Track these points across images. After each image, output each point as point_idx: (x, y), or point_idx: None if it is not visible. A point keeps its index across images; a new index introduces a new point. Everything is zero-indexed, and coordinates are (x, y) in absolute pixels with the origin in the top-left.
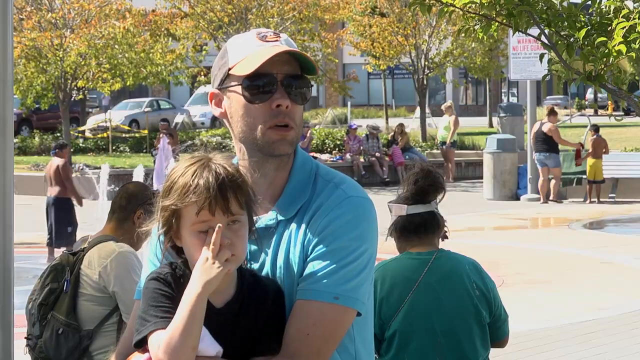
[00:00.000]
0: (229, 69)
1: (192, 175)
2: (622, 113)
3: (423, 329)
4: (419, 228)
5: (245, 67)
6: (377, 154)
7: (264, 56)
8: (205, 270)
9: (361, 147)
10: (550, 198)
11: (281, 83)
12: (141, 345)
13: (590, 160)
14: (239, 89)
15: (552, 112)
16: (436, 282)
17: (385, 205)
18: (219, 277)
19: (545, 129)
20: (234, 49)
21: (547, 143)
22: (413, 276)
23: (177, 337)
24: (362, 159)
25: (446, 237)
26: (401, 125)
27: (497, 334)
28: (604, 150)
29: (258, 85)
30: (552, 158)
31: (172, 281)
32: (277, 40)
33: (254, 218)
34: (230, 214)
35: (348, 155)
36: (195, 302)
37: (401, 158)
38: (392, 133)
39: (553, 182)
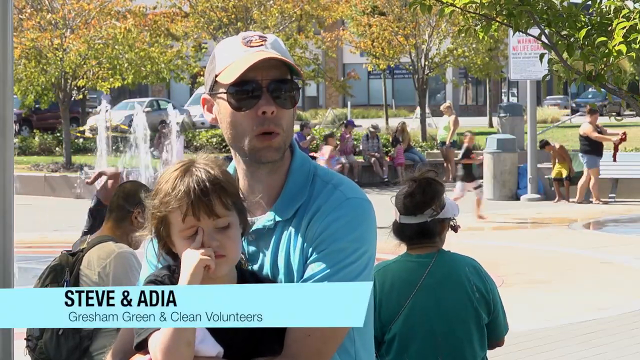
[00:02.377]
0: (216, 76)
1: (174, 181)
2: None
3: (423, 331)
4: (412, 237)
5: (229, 75)
6: (377, 154)
7: (246, 63)
8: (185, 267)
9: (357, 148)
10: (592, 199)
11: (267, 89)
12: (142, 347)
13: (558, 166)
14: (225, 96)
15: (591, 112)
16: (436, 285)
17: (385, 205)
18: (199, 270)
19: (581, 130)
20: (220, 54)
21: (586, 144)
22: (413, 279)
23: (170, 333)
24: (362, 159)
25: (455, 230)
26: (403, 124)
27: (495, 334)
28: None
29: (243, 92)
30: (587, 159)
31: (169, 284)
32: (262, 45)
33: (252, 219)
34: (215, 216)
35: (343, 159)
36: None
37: (402, 158)
38: (395, 132)
39: (592, 182)
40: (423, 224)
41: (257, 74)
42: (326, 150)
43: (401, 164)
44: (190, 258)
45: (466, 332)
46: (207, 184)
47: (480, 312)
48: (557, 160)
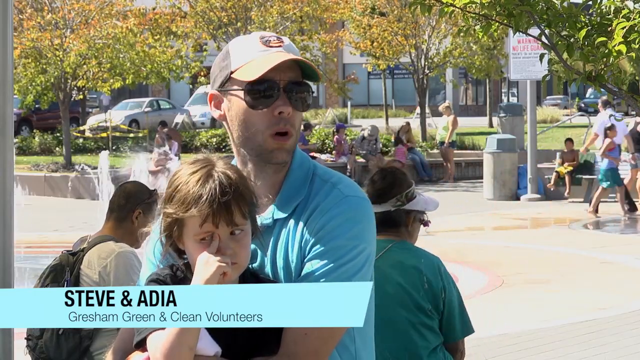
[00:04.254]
0: (231, 72)
1: (195, 185)
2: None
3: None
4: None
5: (250, 73)
6: (375, 155)
7: (269, 63)
8: (202, 271)
9: (358, 149)
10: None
11: (284, 89)
12: (141, 345)
13: (568, 167)
14: (240, 93)
15: None
16: (384, 268)
17: None
18: (216, 277)
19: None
20: (236, 51)
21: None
22: None
23: (174, 336)
24: (361, 159)
25: (426, 224)
26: (407, 125)
27: (448, 336)
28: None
29: (260, 90)
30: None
31: (171, 283)
32: (280, 46)
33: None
34: (234, 225)
35: (344, 158)
36: None
37: (402, 158)
38: (398, 132)
39: (639, 184)
40: (386, 213)
41: (276, 74)
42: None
43: (401, 165)
44: (207, 263)
45: (412, 317)
46: (230, 192)
47: (426, 302)
48: (565, 161)
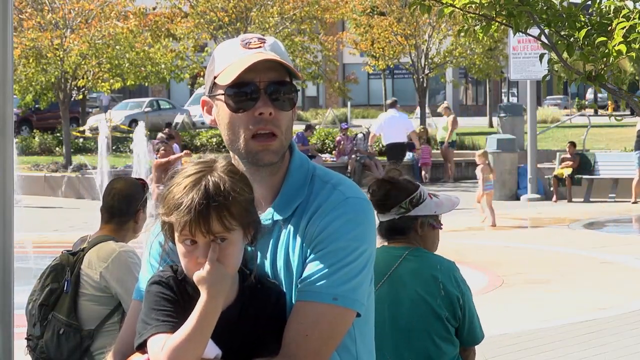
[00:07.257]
0: (215, 77)
1: (182, 191)
2: (629, 113)
3: (386, 322)
4: (384, 234)
5: (227, 76)
6: (372, 160)
7: (243, 65)
8: (204, 280)
9: (354, 147)
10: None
11: (264, 91)
12: (142, 347)
13: (568, 169)
14: (223, 97)
15: None
16: (402, 277)
17: None
18: (217, 287)
19: None
20: (219, 56)
21: None
22: (383, 270)
23: (181, 343)
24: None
25: (435, 228)
26: (423, 127)
27: (470, 339)
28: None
29: (240, 93)
30: None
31: (174, 285)
32: (260, 47)
33: None
34: (211, 234)
35: (344, 158)
36: (202, 312)
37: (428, 158)
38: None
39: None
40: (391, 222)
41: (255, 76)
42: None
43: (427, 164)
44: (205, 277)
45: (428, 326)
46: (211, 201)
47: (443, 309)
48: (565, 162)
